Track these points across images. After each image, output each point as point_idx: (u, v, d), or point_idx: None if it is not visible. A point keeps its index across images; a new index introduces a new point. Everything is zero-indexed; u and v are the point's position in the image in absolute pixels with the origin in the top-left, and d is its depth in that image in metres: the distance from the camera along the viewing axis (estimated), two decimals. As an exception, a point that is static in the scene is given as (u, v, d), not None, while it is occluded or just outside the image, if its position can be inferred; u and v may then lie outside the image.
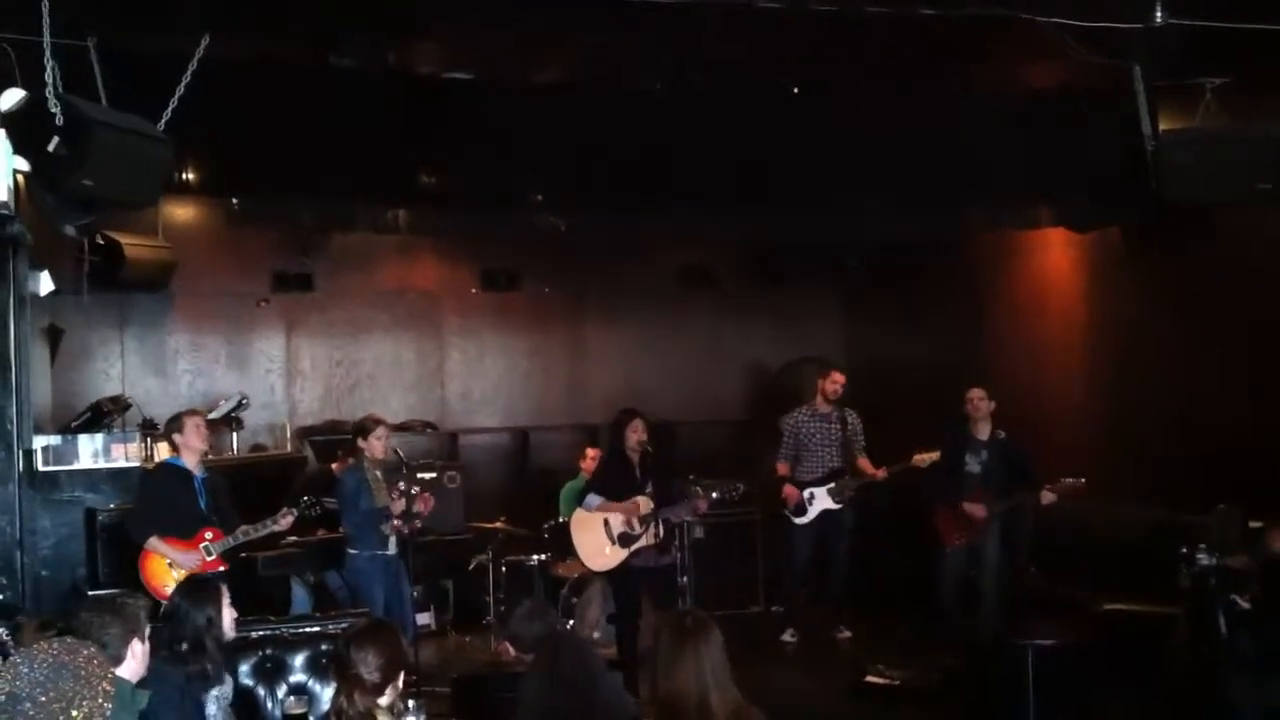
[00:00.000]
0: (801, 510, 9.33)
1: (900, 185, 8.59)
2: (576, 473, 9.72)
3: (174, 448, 7.38)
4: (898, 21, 6.59)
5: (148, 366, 10.91)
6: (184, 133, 6.72)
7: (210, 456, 7.87)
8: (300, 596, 8.87)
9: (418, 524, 7.98)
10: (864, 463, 9.37)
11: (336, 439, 9.76)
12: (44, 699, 2.77)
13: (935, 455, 8.87)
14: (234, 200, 8.61)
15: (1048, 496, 8.23)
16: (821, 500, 9.32)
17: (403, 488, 7.80)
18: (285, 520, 7.36)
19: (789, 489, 9.37)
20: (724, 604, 9.52)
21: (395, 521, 7.75)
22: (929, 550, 8.75)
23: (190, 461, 7.23)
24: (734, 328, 12.63)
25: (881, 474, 9.19)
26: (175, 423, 7.31)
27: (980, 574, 8.56)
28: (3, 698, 2.76)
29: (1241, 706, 5.81)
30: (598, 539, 8.05)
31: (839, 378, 9.51)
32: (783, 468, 9.51)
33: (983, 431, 8.62)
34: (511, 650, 8.52)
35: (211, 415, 9.25)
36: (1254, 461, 7.38)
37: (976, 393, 8.62)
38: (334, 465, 9.28)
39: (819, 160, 8.51)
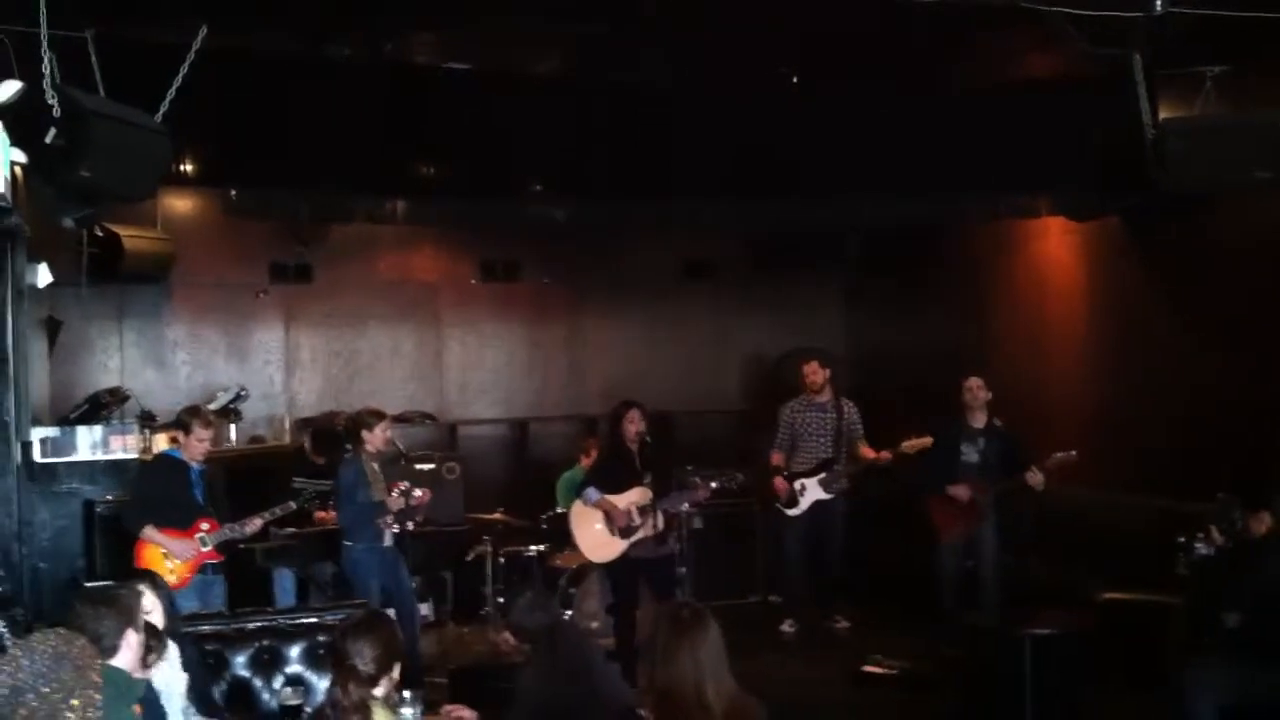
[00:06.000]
0: (793, 502, 9.33)
1: (900, 174, 8.58)
2: (574, 463, 9.72)
3: (176, 440, 7.39)
4: (897, 8, 6.57)
5: (146, 358, 10.90)
6: (182, 124, 6.70)
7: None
8: (286, 587, 8.87)
9: (418, 518, 8.02)
10: (866, 450, 9.35)
11: (334, 430, 9.73)
12: (46, 690, 2.78)
13: (925, 442, 8.86)
14: (232, 192, 8.62)
15: (1034, 477, 8.20)
16: (813, 491, 9.31)
17: (404, 487, 7.79)
18: (253, 525, 7.36)
19: (779, 481, 9.37)
20: (722, 594, 9.56)
21: (390, 519, 7.75)
22: (927, 539, 8.75)
23: (189, 455, 7.24)
24: (733, 318, 12.61)
25: (885, 456, 9.16)
26: (187, 422, 7.28)
27: (978, 564, 8.56)
28: (6, 691, 2.77)
29: (1217, 688, 5.80)
30: (597, 530, 8.05)
31: (809, 369, 9.53)
32: (776, 457, 9.51)
33: (979, 420, 8.61)
34: (512, 639, 8.58)
35: (210, 407, 9.25)
36: (1254, 449, 7.37)
37: (975, 381, 8.61)
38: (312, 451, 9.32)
39: (818, 150, 8.51)
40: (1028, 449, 8.45)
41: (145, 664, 4.17)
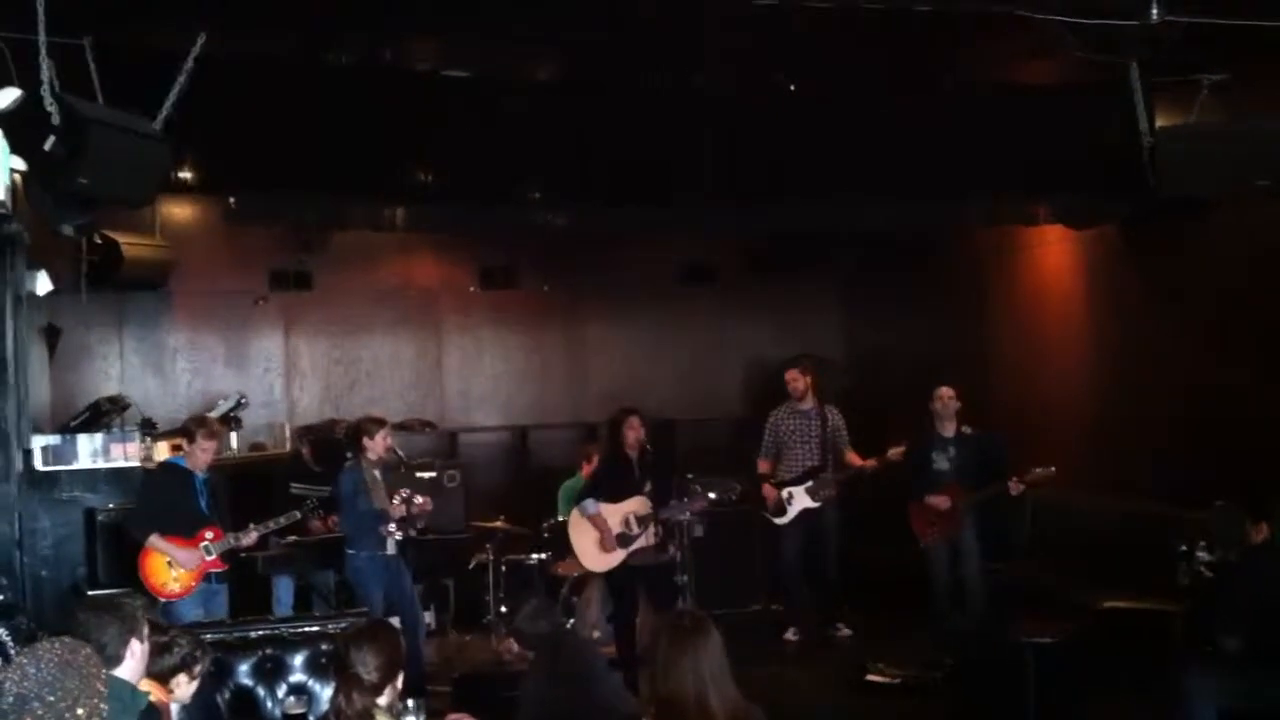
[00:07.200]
0: (781, 510, 9.32)
1: (899, 181, 8.58)
2: (574, 471, 9.72)
3: (180, 448, 7.40)
4: (895, 16, 6.58)
5: (146, 366, 10.91)
6: (181, 131, 6.70)
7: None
8: (284, 595, 8.86)
9: (420, 525, 8.03)
10: (852, 456, 9.35)
11: (334, 439, 9.75)
12: (51, 699, 2.79)
13: (904, 449, 8.95)
14: (231, 199, 8.60)
15: (1016, 487, 8.28)
16: (800, 499, 9.30)
17: (405, 494, 7.79)
18: (250, 537, 7.37)
19: (767, 489, 9.37)
20: (724, 602, 9.50)
21: (392, 528, 7.75)
22: (918, 545, 8.78)
23: (193, 464, 7.25)
24: (733, 324, 12.62)
25: (871, 464, 9.19)
26: (192, 430, 7.29)
27: (964, 570, 8.60)
28: (11, 699, 2.78)
29: (1218, 694, 5.80)
30: (595, 540, 8.03)
31: (789, 376, 9.56)
32: (764, 465, 9.51)
33: (948, 429, 8.70)
34: (515, 647, 8.58)
35: (211, 414, 9.25)
36: (1254, 456, 7.38)
37: (945, 391, 8.72)
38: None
39: (817, 155, 8.49)
40: (1007, 451, 8.52)
41: (192, 675, 4.24)
